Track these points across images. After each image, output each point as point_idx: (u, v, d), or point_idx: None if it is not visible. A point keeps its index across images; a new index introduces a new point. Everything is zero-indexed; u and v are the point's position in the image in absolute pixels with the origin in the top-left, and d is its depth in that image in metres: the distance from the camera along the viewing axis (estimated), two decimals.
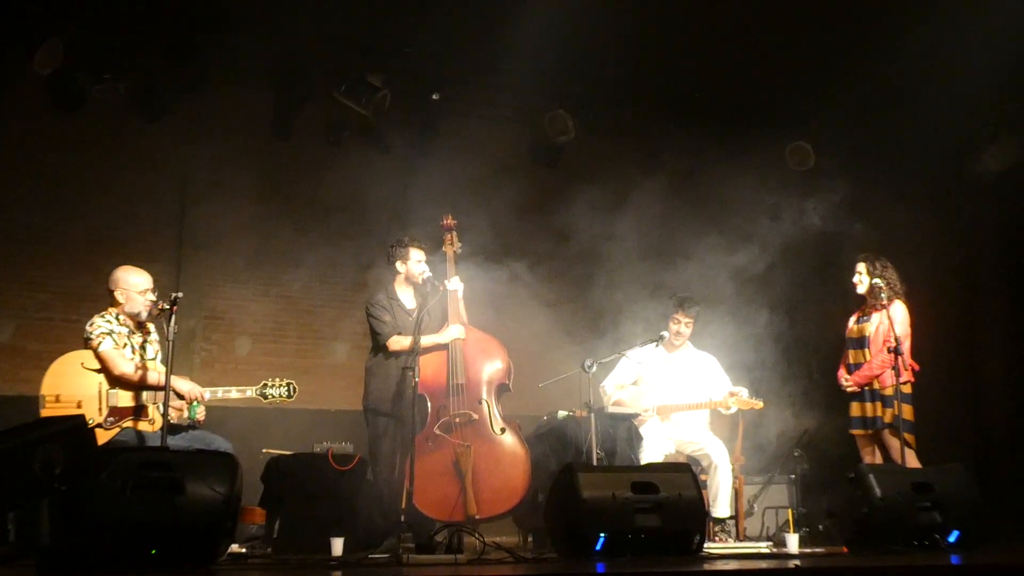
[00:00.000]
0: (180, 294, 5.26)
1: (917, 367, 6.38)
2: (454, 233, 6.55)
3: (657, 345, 6.68)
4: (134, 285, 5.54)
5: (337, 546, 5.35)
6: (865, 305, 6.58)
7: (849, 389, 6.47)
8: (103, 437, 5.25)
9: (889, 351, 6.10)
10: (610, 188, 8.92)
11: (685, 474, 5.08)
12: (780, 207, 8.16)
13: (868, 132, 8.71)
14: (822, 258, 7.87)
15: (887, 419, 6.24)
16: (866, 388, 6.40)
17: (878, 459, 6.40)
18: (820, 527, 6.88)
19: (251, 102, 8.44)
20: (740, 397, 6.48)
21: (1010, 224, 8.59)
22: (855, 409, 6.49)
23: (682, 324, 6.76)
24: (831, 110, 8.63)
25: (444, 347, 6.20)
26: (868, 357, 6.42)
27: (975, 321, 8.78)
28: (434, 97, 8.47)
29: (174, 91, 7.99)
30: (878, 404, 6.35)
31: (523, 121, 9.10)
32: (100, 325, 5.43)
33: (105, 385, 5.36)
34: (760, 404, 6.51)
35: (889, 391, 6.23)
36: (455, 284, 6.36)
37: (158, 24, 7.73)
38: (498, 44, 7.65)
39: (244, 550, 5.70)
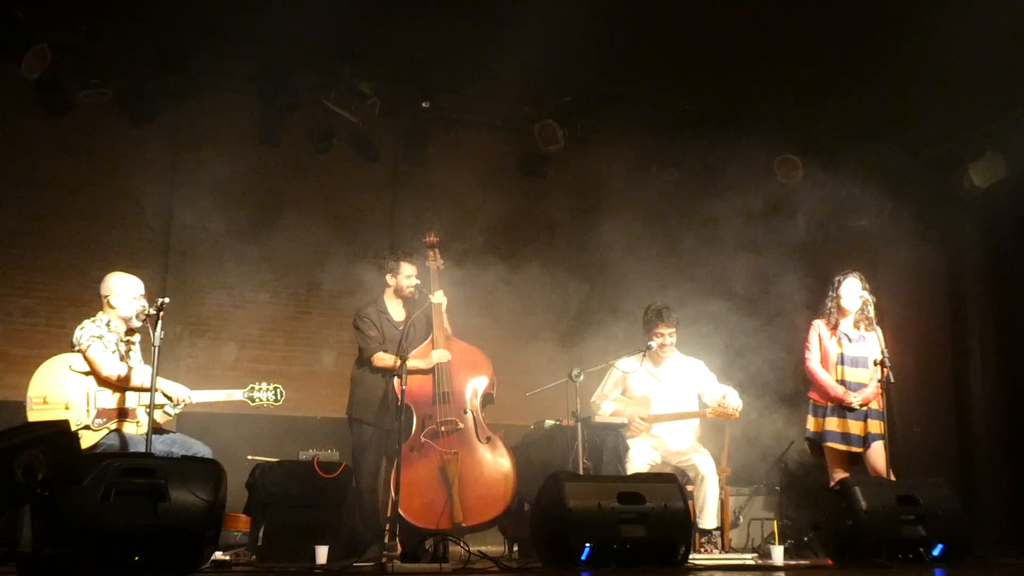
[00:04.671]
0: (167, 299, 5.28)
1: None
2: (436, 250, 6.66)
3: (644, 355, 6.65)
4: (127, 290, 5.58)
5: (321, 554, 5.33)
6: (852, 321, 6.46)
7: (858, 405, 6.28)
8: (91, 438, 5.28)
9: (874, 363, 6.14)
10: (599, 198, 8.96)
11: (671, 485, 5.08)
12: (768, 218, 8.19)
13: (856, 146, 8.76)
14: (807, 270, 7.89)
15: (883, 432, 6.19)
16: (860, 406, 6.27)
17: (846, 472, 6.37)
18: (805, 539, 6.88)
19: (239, 108, 8.44)
20: (715, 407, 6.43)
21: (995, 239, 8.64)
22: (836, 424, 6.34)
23: (666, 336, 6.65)
24: (819, 124, 8.68)
25: (428, 371, 6.24)
26: (881, 374, 6.15)
27: (960, 336, 8.81)
28: (424, 105, 8.47)
29: (161, 96, 7.98)
30: (860, 422, 6.25)
31: (512, 130, 9.11)
32: (90, 329, 5.46)
33: (93, 387, 5.39)
34: (736, 414, 6.44)
35: (878, 405, 6.24)
36: (439, 298, 6.46)
37: (146, 29, 7.71)
38: (488, 53, 7.68)
39: (228, 557, 5.67)
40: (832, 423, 6.38)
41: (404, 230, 8.66)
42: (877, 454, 6.19)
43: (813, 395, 6.52)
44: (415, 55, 8.11)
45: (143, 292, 5.61)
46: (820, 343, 6.55)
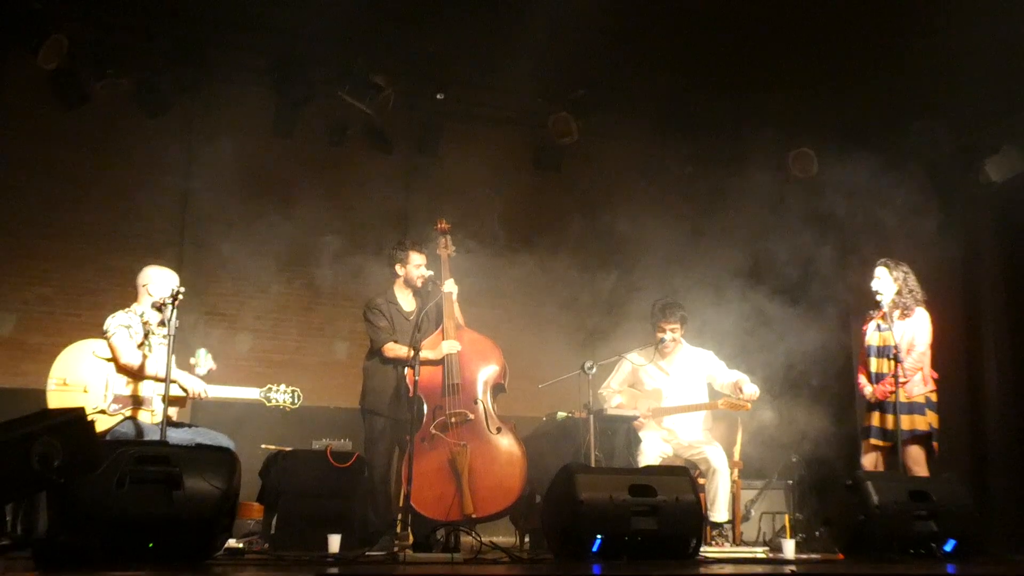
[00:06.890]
0: (182, 289, 5.33)
1: (937, 375, 6.35)
2: (448, 237, 6.62)
3: (656, 349, 6.66)
4: (167, 281, 5.66)
5: (334, 543, 5.35)
6: (884, 312, 6.33)
7: (873, 400, 6.27)
8: (106, 423, 5.35)
9: (890, 358, 6.10)
10: (612, 191, 8.95)
11: (683, 478, 5.09)
12: (783, 213, 8.16)
13: (872, 140, 8.71)
14: (822, 265, 7.86)
15: (924, 427, 6.14)
16: (889, 399, 6.15)
17: (879, 468, 6.34)
18: (816, 533, 6.87)
19: (254, 99, 8.46)
20: (728, 399, 6.42)
21: (1011, 234, 8.59)
22: (875, 419, 6.29)
23: (667, 332, 6.66)
24: (835, 117, 8.64)
25: (438, 362, 6.20)
26: (893, 367, 6.10)
27: (974, 332, 8.76)
28: (438, 97, 8.48)
29: (177, 87, 8.02)
30: (889, 416, 6.15)
31: (526, 123, 9.12)
32: (120, 318, 5.56)
33: (112, 374, 5.47)
34: (748, 405, 6.42)
35: (920, 399, 6.18)
36: (450, 287, 6.41)
37: (162, 20, 7.75)
38: (503, 45, 7.66)
39: (241, 545, 5.72)
40: (867, 418, 6.37)
41: (418, 222, 8.67)
42: (904, 451, 6.05)
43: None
44: (429, 48, 8.12)
45: (178, 283, 5.66)
46: (864, 336, 6.52)
